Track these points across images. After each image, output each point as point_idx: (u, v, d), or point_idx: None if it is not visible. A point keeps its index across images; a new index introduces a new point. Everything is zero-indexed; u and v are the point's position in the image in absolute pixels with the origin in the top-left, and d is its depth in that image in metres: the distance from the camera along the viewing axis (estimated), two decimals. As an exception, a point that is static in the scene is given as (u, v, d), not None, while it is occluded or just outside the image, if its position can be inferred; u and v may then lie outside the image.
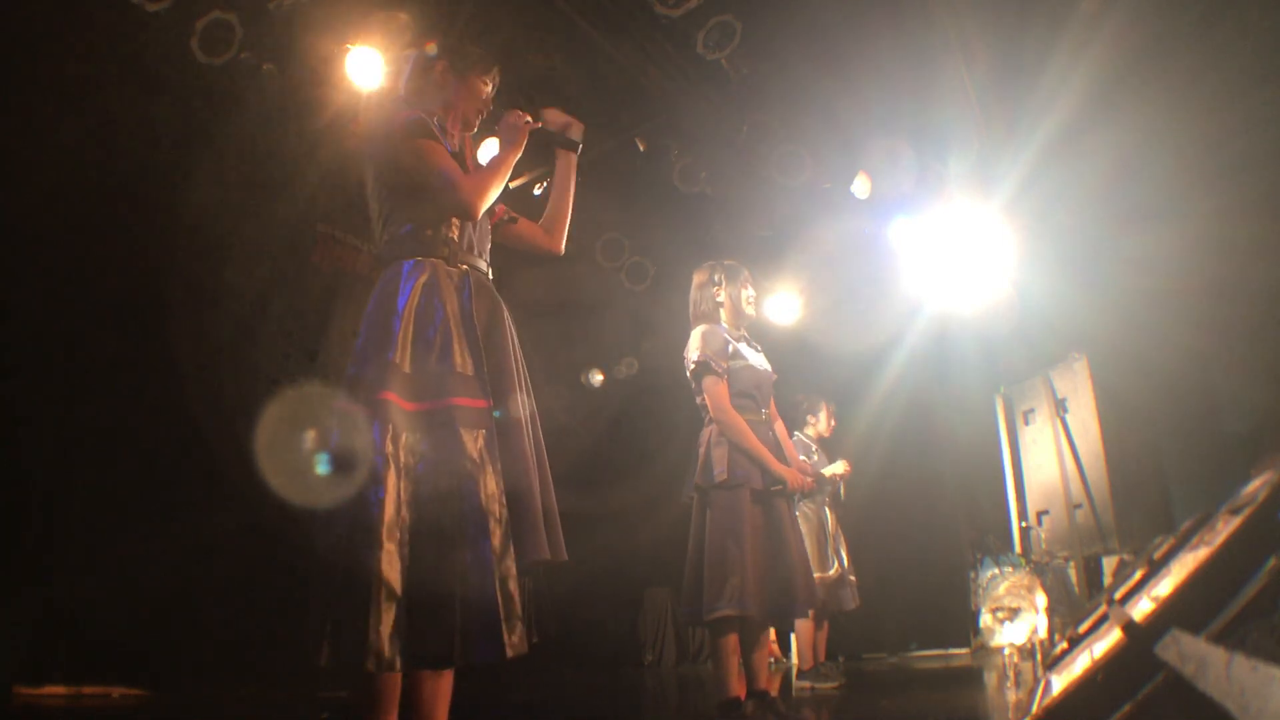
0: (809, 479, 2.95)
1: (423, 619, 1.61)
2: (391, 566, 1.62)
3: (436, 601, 1.62)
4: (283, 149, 4.60)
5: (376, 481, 1.66)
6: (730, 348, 3.03)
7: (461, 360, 1.79)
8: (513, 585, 1.67)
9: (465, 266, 1.92)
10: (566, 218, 2.20)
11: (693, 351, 3.03)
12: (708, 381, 2.97)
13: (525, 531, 1.72)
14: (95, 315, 4.24)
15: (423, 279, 1.84)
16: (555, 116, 2.20)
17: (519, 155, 2.02)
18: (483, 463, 1.72)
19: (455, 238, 1.92)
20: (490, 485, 1.71)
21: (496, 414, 1.80)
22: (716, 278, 3.16)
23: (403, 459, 1.69)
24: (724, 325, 3.11)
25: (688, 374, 3.07)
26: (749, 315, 3.18)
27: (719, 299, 3.14)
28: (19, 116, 3.81)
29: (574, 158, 2.21)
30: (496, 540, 1.67)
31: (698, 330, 3.08)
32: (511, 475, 1.76)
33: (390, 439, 1.69)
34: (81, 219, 4.13)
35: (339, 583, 1.63)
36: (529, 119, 2.06)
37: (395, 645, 1.59)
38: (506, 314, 1.95)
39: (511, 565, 1.68)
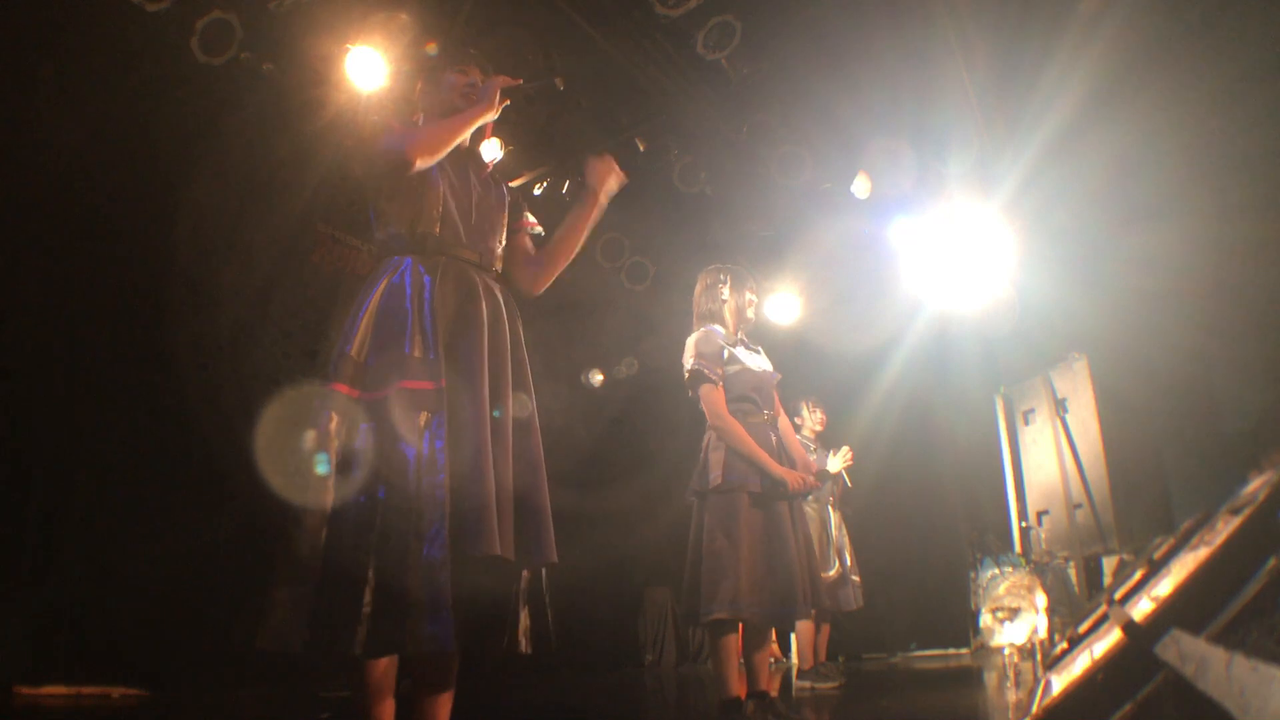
0: (811, 478, 2.94)
1: (330, 605, 1.59)
2: (312, 551, 1.63)
3: (364, 589, 1.58)
4: (283, 149, 4.60)
5: (316, 470, 1.67)
6: (726, 353, 3.04)
7: (414, 343, 1.76)
8: (439, 575, 1.60)
9: (443, 257, 1.87)
10: (565, 261, 2.13)
11: (687, 359, 3.05)
12: (704, 389, 2.98)
13: (470, 521, 1.65)
14: (95, 315, 4.23)
15: (394, 274, 1.83)
16: (601, 168, 2.15)
17: (484, 115, 1.91)
18: (424, 445, 1.67)
19: (437, 232, 1.88)
20: (430, 469, 1.66)
21: (454, 398, 1.75)
22: (723, 278, 3.18)
23: (341, 446, 1.69)
24: (722, 329, 3.13)
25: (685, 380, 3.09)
26: (749, 320, 3.19)
27: (724, 299, 3.15)
28: (19, 116, 3.81)
29: (601, 201, 2.14)
30: (425, 526, 1.62)
31: (692, 337, 3.10)
32: (461, 461, 1.69)
33: (333, 427, 1.70)
34: (81, 219, 4.13)
35: (286, 570, 1.64)
36: (509, 80, 1.97)
37: (301, 629, 1.59)
38: (502, 308, 1.91)
39: (440, 554, 1.61)
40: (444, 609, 1.59)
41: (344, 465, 1.68)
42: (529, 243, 2.15)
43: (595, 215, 2.15)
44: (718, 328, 3.12)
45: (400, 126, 1.86)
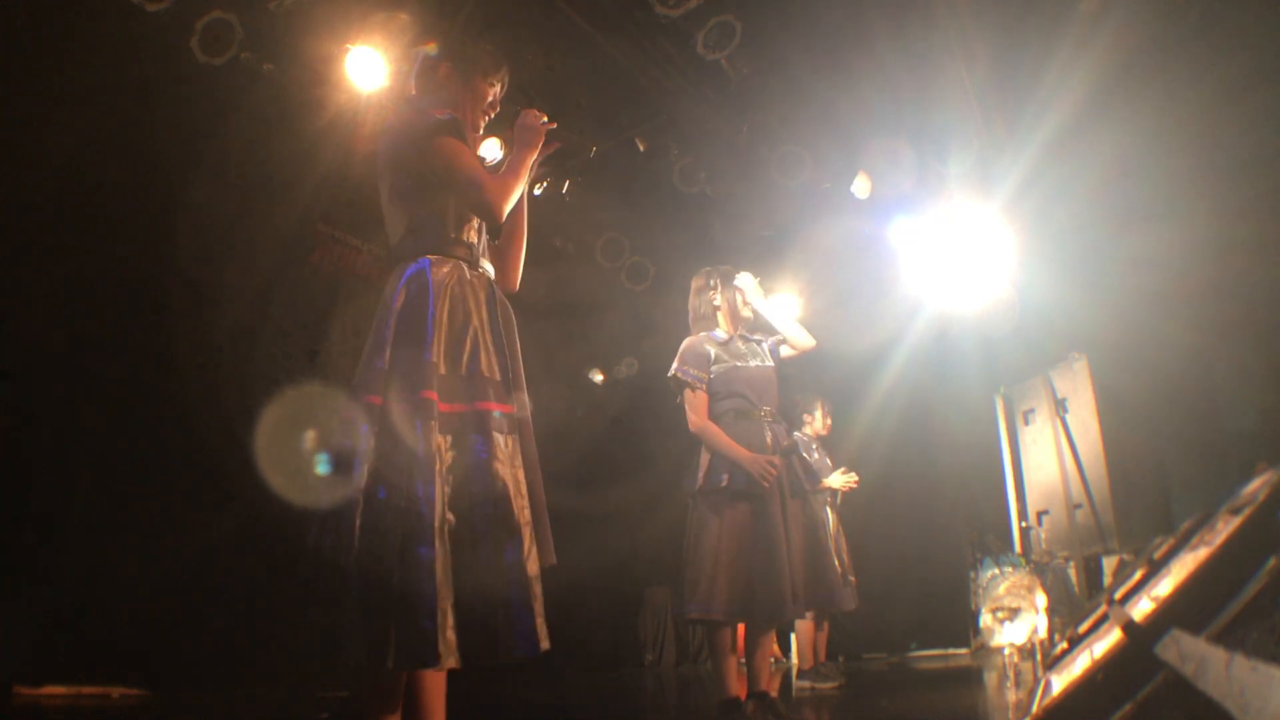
0: (771, 469, 2.89)
1: (468, 619, 1.64)
2: (445, 566, 1.64)
3: (481, 601, 1.65)
4: (283, 149, 4.60)
5: (426, 481, 1.65)
6: (714, 354, 3.07)
7: (488, 364, 1.81)
8: (537, 586, 1.72)
9: (483, 271, 1.92)
10: (521, 245, 2.09)
11: (672, 365, 3.11)
12: (685, 395, 3.05)
13: (543, 534, 1.79)
14: (95, 315, 4.23)
15: (450, 281, 1.83)
16: (524, 132, 2.05)
17: (535, 157, 1.99)
18: (513, 467, 1.77)
19: (475, 240, 1.92)
20: (521, 488, 1.77)
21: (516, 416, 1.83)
22: (712, 282, 3.22)
23: (446, 459, 1.71)
24: (720, 330, 3.14)
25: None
26: (746, 317, 3.20)
27: (715, 303, 3.18)
28: (19, 117, 3.80)
29: (525, 164, 2.04)
30: (527, 543, 1.72)
31: (683, 343, 3.15)
32: (530, 479, 1.80)
33: (434, 438, 1.69)
34: (81, 219, 4.13)
35: (388, 583, 1.60)
36: (545, 119, 2.02)
37: (449, 643, 1.61)
38: (505, 309, 1.95)
39: (536, 566, 1.73)
40: (523, 620, 1.68)
41: (378, 478, 1.66)
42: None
43: (522, 181, 2.01)
44: (716, 331, 3.14)
45: (485, 178, 1.85)
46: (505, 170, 1.93)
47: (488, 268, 1.96)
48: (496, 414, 1.76)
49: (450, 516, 1.68)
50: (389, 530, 1.61)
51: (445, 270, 1.84)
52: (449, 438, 1.72)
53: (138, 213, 4.29)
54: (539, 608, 1.70)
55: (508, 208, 1.87)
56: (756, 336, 3.22)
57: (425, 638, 1.57)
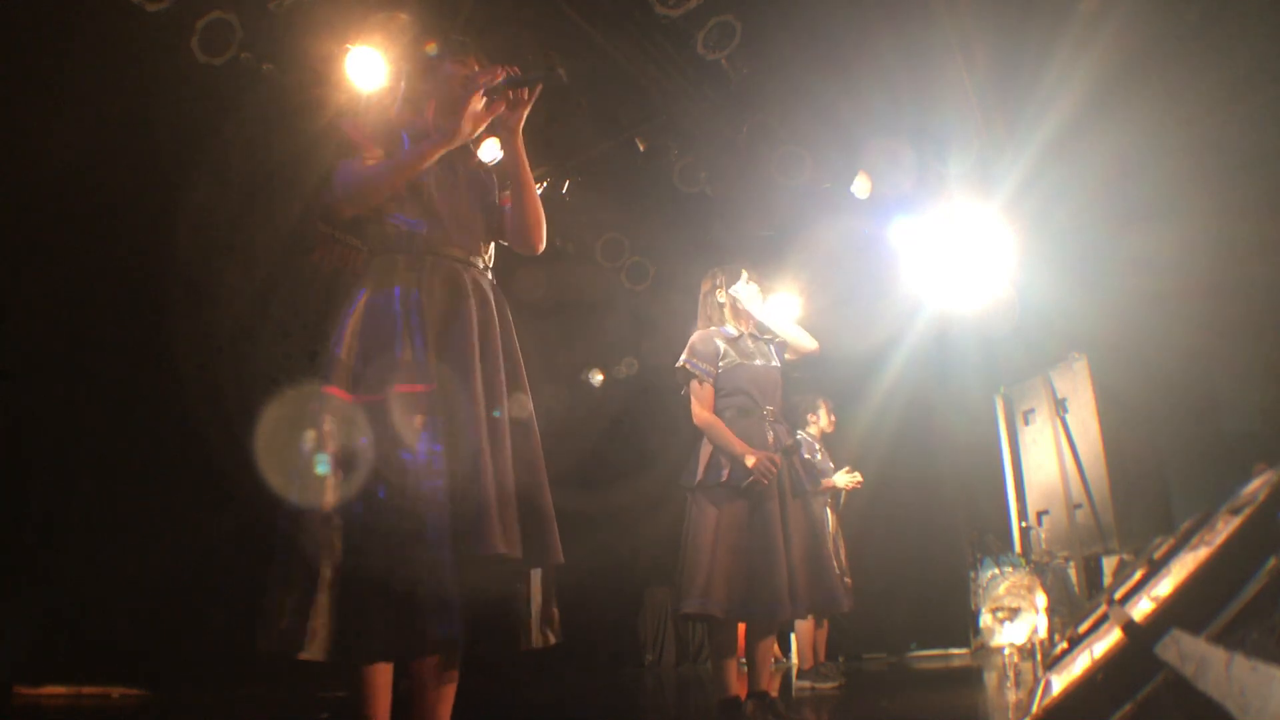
0: (773, 466, 2.89)
1: (354, 609, 1.60)
2: (327, 556, 1.61)
3: (368, 592, 1.59)
4: (283, 149, 4.60)
5: (315, 472, 1.67)
6: (722, 350, 3.07)
7: (405, 346, 1.75)
8: (444, 575, 1.61)
9: (431, 256, 1.86)
10: (534, 208, 1.99)
11: (681, 357, 3.12)
12: (692, 386, 3.06)
13: (471, 521, 1.65)
14: (95, 315, 4.23)
15: (381, 274, 1.84)
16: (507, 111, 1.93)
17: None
18: (421, 447, 1.68)
19: (424, 233, 1.87)
20: (428, 472, 1.66)
21: (449, 400, 1.75)
22: (719, 281, 3.23)
23: (341, 449, 1.69)
24: (728, 327, 3.14)
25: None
26: (753, 316, 3.20)
27: (721, 302, 3.18)
28: (19, 117, 3.80)
29: (515, 139, 1.95)
30: (427, 528, 1.62)
31: (693, 336, 3.15)
32: (460, 461, 1.69)
33: (328, 429, 1.70)
34: (81, 219, 4.13)
35: (284, 571, 1.63)
36: (505, 73, 1.87)
37: (329, 635, 1.58)
38: (491, 306, 1.88)
39: (444, 555, 1.62)
40: (451, 610, 1.60)
41: (343, 467, 1.68)
42: (507, 211, 2.06)
43: (516, 150, 1.98)
44: (727, 328, 3.15)
45: (350, 167, 1.85)
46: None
47: (449, 251, 1.88)
48: (405, 395, 1.70)
49: (339, 504, 1.65)
50: (285, 519, 1.66)
51: (382, 266, 1.85)
52: (352, 426, 1.70)
53: (138, 213, 4.29)
54: (448, 598, 1.61)
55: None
56: (766, 336, 3.22)
57: (344, 626, 1.58)
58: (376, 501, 1.64)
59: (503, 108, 1.88)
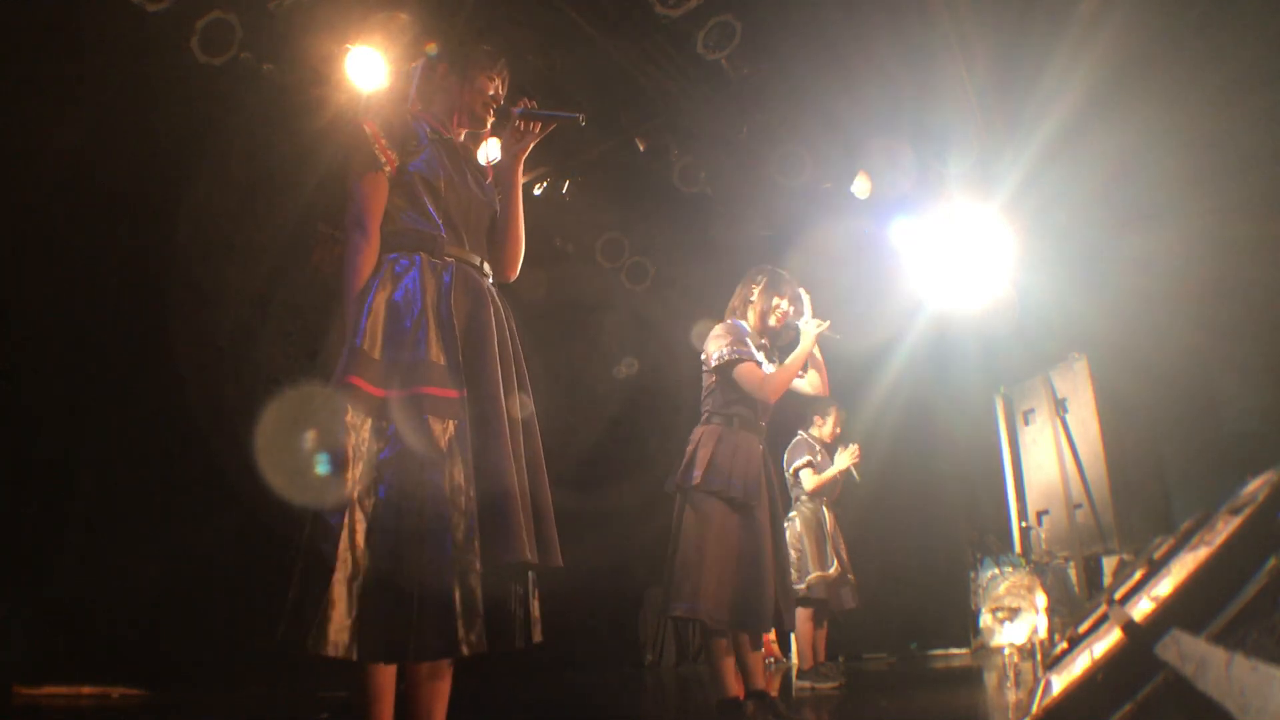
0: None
1: (377, 610, 1.58)
2: (350, 554, 1.59)
3: (392, 593, 1.58)
4: (283, 149, 4.60)
5: (339, 467, 1.64)
6: (749, 342, 3.04)
7: (435, 350, 1.75)
8: (474, 581, 1.61)
9: (450, 259, 1.87)
10: (518, 236, 2.06)
11: (716, 346, 3.03)
12: (742, 369, 2.96)
13: (499, 528, 1.65)
14: (96, 315, 4.23)
15: (402, 270, 1.82)
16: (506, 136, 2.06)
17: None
18: (450, 453, 1.67)
19: (442, 234, 1.89)
20: (456, 476, 1.66)
21: (476, 407, 1.75)
22: (759, 279, 3.18)
23: (365, 445, 1.67)
24: (746, 324, 3.13)
25: (710, 366, 3.05)
26: (771, 327, 3.18)
27: (750, 298, 3.15)
28: (19, 116, 3.80)
29: (515, 169, 2.07)
30: (459, 534, 1.62)
31: (717, 326, 3.10)
32: (487, 469, 1.69)
33: (353, 424, 1.67)
34: (81, 219, 4.13)
35: (304, 568, 1.61)
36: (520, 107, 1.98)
37: (351, 635, 1.56)
38: (501, 311, 1.91)
39: (475, 560, 1.62)
40: (479, 614, 1.60)
41: (368, 463, 1.66)
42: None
43: (515, 179, 2.07)
44: (743, 324, 3.13)
45: (355, 223, 1.85)
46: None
47: (468, 257, 1.91)
48: (435, 398, 1.70)
49: (367, 503, 1.63)
50: (306, 515, 1.64)
51: (402, 263, 1.83)
52: (381, 422, 1.68)
53: (138, 213, 4.29)
54: (473, 605, 1.60)
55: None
56: (774, 347, 3.22)
57: (318, 624, 1.56)
58: (404, 503, 1.63)
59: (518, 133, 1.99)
